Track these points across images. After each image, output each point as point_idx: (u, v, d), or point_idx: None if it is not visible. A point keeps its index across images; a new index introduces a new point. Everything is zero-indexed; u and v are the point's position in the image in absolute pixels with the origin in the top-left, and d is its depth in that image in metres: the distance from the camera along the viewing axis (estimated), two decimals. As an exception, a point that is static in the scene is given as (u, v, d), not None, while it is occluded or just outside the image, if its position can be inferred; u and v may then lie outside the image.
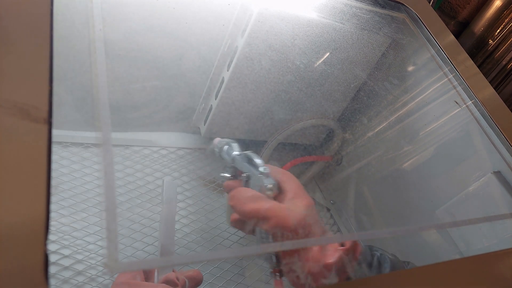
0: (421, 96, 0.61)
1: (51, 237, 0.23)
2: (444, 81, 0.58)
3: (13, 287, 0.21)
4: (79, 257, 0.47)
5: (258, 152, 0.64)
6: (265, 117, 0.63)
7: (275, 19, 0.53)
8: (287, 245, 0.38)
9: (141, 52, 0.56)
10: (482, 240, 0.52)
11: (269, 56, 0.56)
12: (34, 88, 0.28)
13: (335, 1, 0.57)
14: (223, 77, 0.58)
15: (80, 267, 0.47)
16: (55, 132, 0.27)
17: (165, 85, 0.61)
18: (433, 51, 0.59)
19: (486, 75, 0.87)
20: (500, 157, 0.52)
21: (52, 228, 0.47)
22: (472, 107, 0.55)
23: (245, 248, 0.44)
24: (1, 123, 0.26)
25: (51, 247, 0.44)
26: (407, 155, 0.63)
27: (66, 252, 0.47)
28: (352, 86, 0.66)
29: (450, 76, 0.57)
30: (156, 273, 0.41)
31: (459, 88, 0.56)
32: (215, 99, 0.59)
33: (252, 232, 0.43)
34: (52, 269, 0.45)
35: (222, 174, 0.48)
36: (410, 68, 0.63)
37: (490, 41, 0.86)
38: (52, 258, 0.46)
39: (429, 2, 0.80)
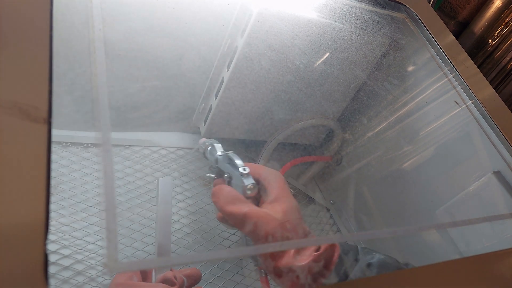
0: (421, 96, 0.61)
1: (51, 237, 0.23)
2: (444, 81, 0.58)
3: (13, 287, 0.21)
4: (79, 257, 0.47)
5: (258, 152, 0.64)
6: (265, 117, 0.63)
7: (274, 19, 0.53)
8: (287, 245, 0.38)
9: (141, 52, 0.56)
10: (482, 240, 0.52)
11: (268, 56, 0.56)
12: (34, 88, 0.28)
13: (335, 1, 0.57)
14: (223, 77, 0.58)
15: (80, 267, 0.47)
16: (55, 132, 0.27)
17: (165, 85, 0.61)
18: (433, 51, 0.59)
19: (486, 75, 0.87)
20: (500, 157, 0.52)
21: (52, 228, 0.47)
22: (472, 107, 0.55)
23: (245, 248, 0.44)
24: (1, 123, 0.26)
25: (51, 247, 0.44)
26: (407, 155, 0.63)
27: (66, 252, 0.47)
28: (352, 86, 0.66)
29: (450, 76, 0.57)
30: (153, 273, 0.41)
31: (459, 88, 0.56)
32: (215, 99, 0.59)
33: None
34: (52, 269, 0.45)
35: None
36: (410, 68, 0.63)
37: (490, 41, 0.86)
38: (52, 258, 0.46)
39: (429, 2, 0.80)
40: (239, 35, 0.55)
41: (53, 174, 0.25)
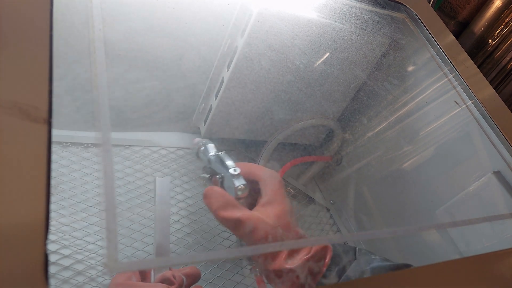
0: (421, 96, 0.61)
1: (51, 237, 0.23)
2: (444, 81, 0.58)
3: (13, 287, 0.21)
4: (79, 257, 0.47)
5: (258, 152, 0.64)
6: (265, 117, 0.63)
7: (274, 19, 0.53)
8: (287, 245, 0.38)
9: (141, 52, 0.56)
10: (482, 240, 0.52)
11: (268, 56, 0.56)
12: (34, 88, 0.28)
13: (335, 1, 0.57)
14: (223, 77, 0.58)
15: (80, 267, 0.47)
16: (55, 132, 0.27)
17: (165, 85, 0.61)
18: (433, 51, 0.59)
19: (486, 75, 0.87)
20: (500, 157, 0.52)
21: (52, 228, 0.48)
22: (472, 107, 0.55)
23: (245, 248, 0.44)
24: (1, 123, 0.26)
25: (51, 247, 0.44)
26: (407, 155, 0.63)
27: (66, 252, 0.47)
28: (352, 86, 0.66)
29: (450, 76, 0.57)
30: (152, 273, 0.41)
31: (459, 88, 0.56)
32: (215, 99, 0.59)
33: None
34: (52, 269, 0.45)
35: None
36: (410, 68, 0.63)
37: (490, 41, 0.86)
38: (52, 258, 0.46)
39: (429, 2, 0.81)
40: (239, 35, 0.55)
41: (53, 174, 0.25)
